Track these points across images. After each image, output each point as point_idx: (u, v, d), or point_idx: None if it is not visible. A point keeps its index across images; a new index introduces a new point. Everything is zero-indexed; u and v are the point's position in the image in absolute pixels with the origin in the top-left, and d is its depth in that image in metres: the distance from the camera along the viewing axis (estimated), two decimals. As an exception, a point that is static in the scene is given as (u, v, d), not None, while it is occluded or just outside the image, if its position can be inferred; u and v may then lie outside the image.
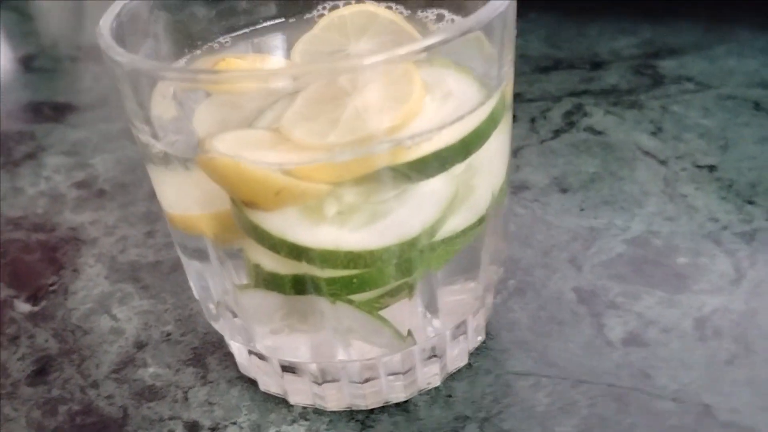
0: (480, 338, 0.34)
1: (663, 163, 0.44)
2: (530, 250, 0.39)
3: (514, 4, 0.29)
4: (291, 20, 0.36)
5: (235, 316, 0.30)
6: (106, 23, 0.28)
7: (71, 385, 0.35)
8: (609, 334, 0.34)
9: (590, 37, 0.59)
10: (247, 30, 0.35)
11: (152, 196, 0.33)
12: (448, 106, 0.28)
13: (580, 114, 0.50)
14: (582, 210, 0.41)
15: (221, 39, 0.34)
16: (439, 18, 0.34)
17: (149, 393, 0.34)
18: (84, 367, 0.35)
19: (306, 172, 0.26)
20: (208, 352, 0.35)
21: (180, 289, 0.39)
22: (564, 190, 0.43)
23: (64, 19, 0.76)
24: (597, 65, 0.55)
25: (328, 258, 0.26)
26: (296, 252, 0.26)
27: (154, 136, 0.27)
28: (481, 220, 0.29)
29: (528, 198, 0.43)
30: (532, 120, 0.50)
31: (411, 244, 0.27)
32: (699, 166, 0.44)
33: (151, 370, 0.35)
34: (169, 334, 0.37)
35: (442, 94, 0.28)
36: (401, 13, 0.34)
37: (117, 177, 0.49)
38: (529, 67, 0.56)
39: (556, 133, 0.48)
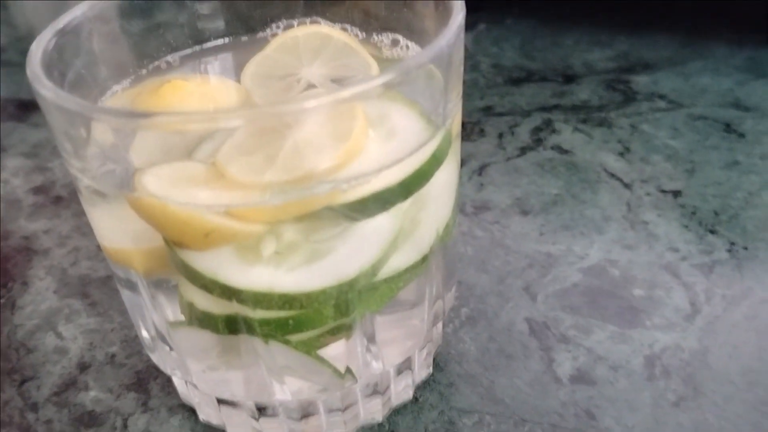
0: (427, 371, 0.33)
1: (627, 186, 0.43)
2: (485, 277, 0.38)
3: (462, 36, 0.28)
4: (243, 38, 0.35)
5: (171, 348, 0.30)
6: (39, 46, 0.27)
7: (10, 408, 0.34)
8: (557, 370, 0.33)
9: (565, 47, 0.58)
10: (196, 48, 0.34)
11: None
12: (391, 144, 0.27)
13: (548, 131, 0.49)
14: (541, 234, 0.41)
15: (169, 58, 0.33)
16: (394, 43, 0.33)
17: (89, 419, 0.33)
18: (25, 389, 0.35)
19: (240, 213, 0.25)
20: (151, 377, 0.35)
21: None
22: (525, 213, 0.42)
23: (41, 10, 0.75)
24: (570, 78, 0.54)
25: (261, 300, 0.26)
26: (228, 293, 0.26)
27: (83, 171, 0.26)
28: (424, 259, 0.28)
29: (488, 219, 0.42)
30: (500, 135, 0.49)
31: (350, 284, 0.26)
32: (663, 191, 0.43)
33: (92, 394, 0.34)
34: (113, 356, 0.36)
35: (386, 131, 0.27)
36: (356, 35, 0.34)
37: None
38: (502, 78, 0.55)
39: (523, 150, 0.47)
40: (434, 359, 0.34)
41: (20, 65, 0.65)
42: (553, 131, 0.49)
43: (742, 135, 0.47)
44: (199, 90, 0.31)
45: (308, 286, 0.26)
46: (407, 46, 0.32)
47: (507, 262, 0.39)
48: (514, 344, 0.35)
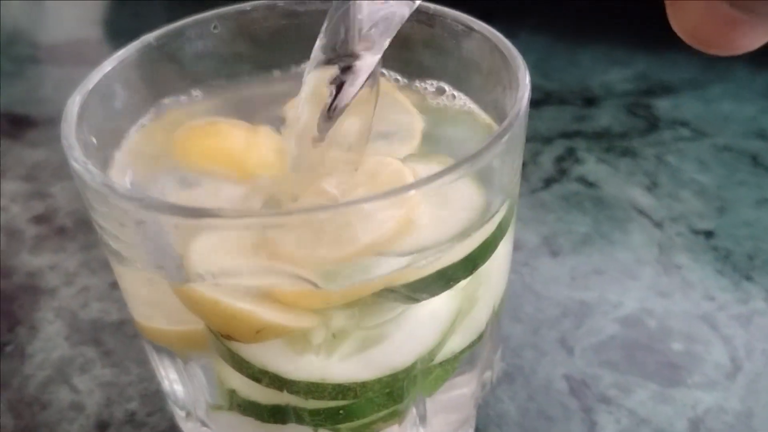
0: (469, 432, 0.32)
1: (658, 225, 0.42)
2: (520, 327, 0.37)
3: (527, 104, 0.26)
4: (275, 72, 0.33)
5: (205, 425, 0.28)
6: (70, 122, 0.25)
7: (26, 473, 0.32)
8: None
9: (582, 67, 0.57)
10: (223, 81, 0.32)
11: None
12: (448, 214, 0.25)
13: (571, 160, 0.47)
14: (573, 279, 0.39)
15: (193, 91, 0.31)
16: (440, 91, 0.31)
17: (111, 486, 0.31)
18: (40, 451, 0.33)
19: (291, 298, 0.23)
20: (176, 439, 0.33)
21: (145, 358, 0.36)
22: (554, 254, 0.41)
23: (21, 9, 0.72)
24: (590, 101, 0.53)
25: (313, 390, 0.24)
26: (278, 383, 0.24)
27: (123, 250, 0.24)
28: (481, 337, 0.27)
29: (518, 260, 0.40)
30: (523, 165, 0.47)
31: (406, 372, 0.25)
32: (695, 231, 0.42)
33: (113, 457, 0.32)
34: (133, 414, 0.34)
35: (440, 201, 0.26)
36: (396, 80, 0.32)
37: (79, 211, 0.46)
38: (519, 99, 0.53)
39: (547, 182, 0.46)
40: (475, 420, 0.33)
41: (13, 74, 0.63)
42: (577, 161, 0.47)
43: (770, 169, 0.46)
44: (237, 133, 0.29)
45: (362, 376, 0.24)
46: (454, 96, 0.31)
47: (540, 310, 0.38)
48: (554, 405, 0.33)
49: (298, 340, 0.24)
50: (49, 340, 0.38)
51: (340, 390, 0.24)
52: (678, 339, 0.36)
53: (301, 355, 0.24)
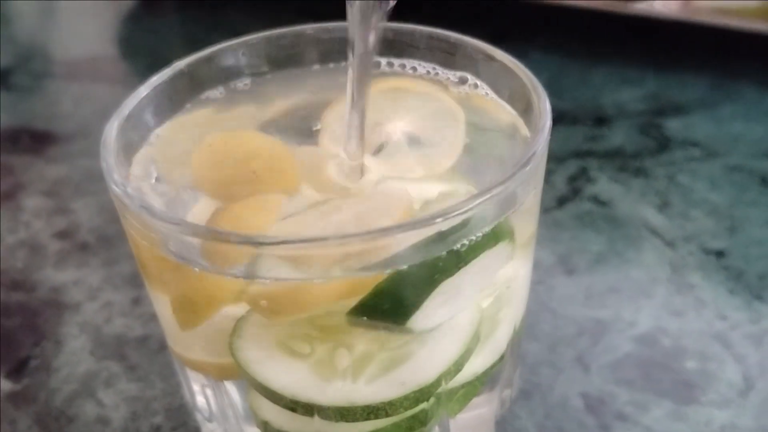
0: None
1: (670, 245, 0.43)
2: (536, 344, 0.38)
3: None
4: (315, 67, 0.33)
5: (235, 439, 0.29)
6: (110, 162, 0.26)
7: (54, 486, 0.33)
8: (617, 451, 0.33)
9: (594, 86, 0.58)
10: (246, 80, 0.32)
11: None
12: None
13: (584, 179, 0.48)
14: (588, 297, 0.40)
15: (218, 89, 0.32)
16: (462, 80, 0.31)
17: (138, 499, 0.32)
18: (68, 464, 0.34)
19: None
20: (201, 453, 0.34)
21: (169, 372, 0.37)
22: (569, 272, 0.42)
23: (36, 24, 0.73)
24: (601, 121, 0.54)
25: (344, 414, 0.25)
26: (309, 409, 0.25)
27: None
28: (502, 357, 0.28)
29: (534, 279, 0.41)
30: (536, 183, 0.48)
31: (432, 387, 0.25)
32: (707, 251, 0.43)
33: (139, 471, 0.33)
34: (158, 428, 0.35)
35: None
36: (427, 72, 0.32)
37: (101, 227, 0.47)
38: (531, 118, 0.54)
39: (561, 201, 0.47)
40: (492, 437, 0.33)
41: (31, 90, 0.64)
42: (589, 180, 0.48)
43: (780, 190, 0.47)
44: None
45: (389, 395, 0.25)
46: (476, 85, 0.31)
47: (556, 328, 0.38)
48: (571, 422, 0.34)
49: (324, 366, 0.24)
50: (74, 354, 0.39)
51: (371, 410, 0.25)
52: (692, 357, 0.37)
53: (329, 381, 0.24)
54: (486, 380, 0.28)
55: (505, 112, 0.29)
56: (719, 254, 0.42)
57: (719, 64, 0.58)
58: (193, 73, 0.30)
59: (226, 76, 0.31)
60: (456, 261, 0.23)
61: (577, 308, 0.40)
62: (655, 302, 0.40)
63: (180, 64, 0.30)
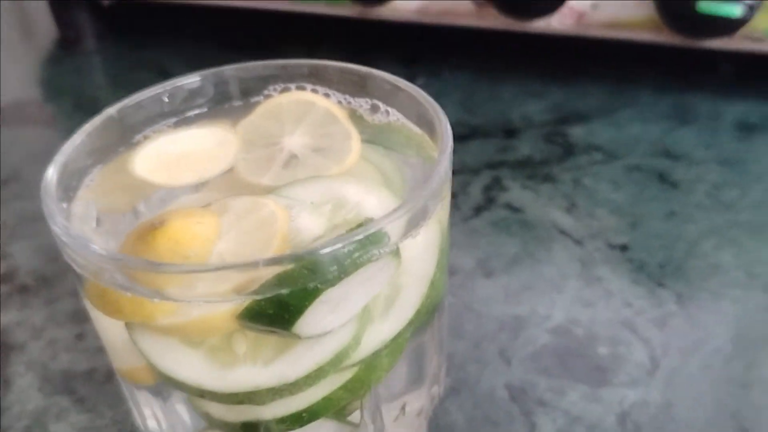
0: (421, 445, 0.36)
1: (578, 243, 0.47)
2: (462, 343, 0.41)
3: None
4: (236, 103, 0.35)
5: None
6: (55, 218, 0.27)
7: None
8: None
9: (503, 100, 0.61)
10: (173, 120, 0.34)
11: (77, 291, 0.32)
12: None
13: (498, 188, 0.52)
14: (507, 296, 0.43)
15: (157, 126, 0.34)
16: (374, 108, 0.34)
17: None
18: (25, 496, 0.35)
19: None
20: (154, 474, 0.36)
21: (118, 401, 0.39)
22: (488, 275, 0.45)
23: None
24: (511, 133, 0.57)
25: (253, 398, 0.27)
26: (228, 398, 0.27)
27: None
28: (411, 324, 0.29)
29: (456, 283, 0.44)
30: (454, 195, 0.51)
31: (331, 365, 0.27)
32: (612, 246, 0.46)
33: (96, 496, 0.35)
34: (111, 454, 0.37)
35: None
36: (339, 102, 0.35)
37: (39, 269, 0.48)
38: (447, 134, 0.58)
39: (477, 210, 0.50)
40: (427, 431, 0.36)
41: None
42: (503, 189, 0.52)
43: (675, 185, 0.51)
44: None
45: (290, 375, 0.27)
46: (387, 112, 0.34)
47: (479, 326, 0.42)
48: (498, 411, 0.37)
49: (224, 351, 0.27)
50: (23, 392, 0.40)
51: (277, 392, 0.27)
52: (603, 344, 0.40)
53: (231, 367, 0.26)
54: (412, 376, 0.30)
55: (416, 135, 0.32)
56: (623, 248, 0.46)
57: (615, 73, 0.63)
58: (123, 119, 0.32)
59: (154, 119, 0.34)
60: (338, 274, 0.25)
61: (497, 306, 0.43)
62: (567, 296, 0.43)
63: (111, 111, 0.32)
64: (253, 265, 0.24)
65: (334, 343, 0.27)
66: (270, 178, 0.32)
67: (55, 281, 0.47)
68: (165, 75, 0.69)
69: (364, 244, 0.24)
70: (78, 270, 0.27)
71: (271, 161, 0.32)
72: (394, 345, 0.29)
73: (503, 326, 0.42)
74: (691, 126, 0.57)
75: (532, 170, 0.53)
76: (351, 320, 0.27)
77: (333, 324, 0.26)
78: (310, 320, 0.25)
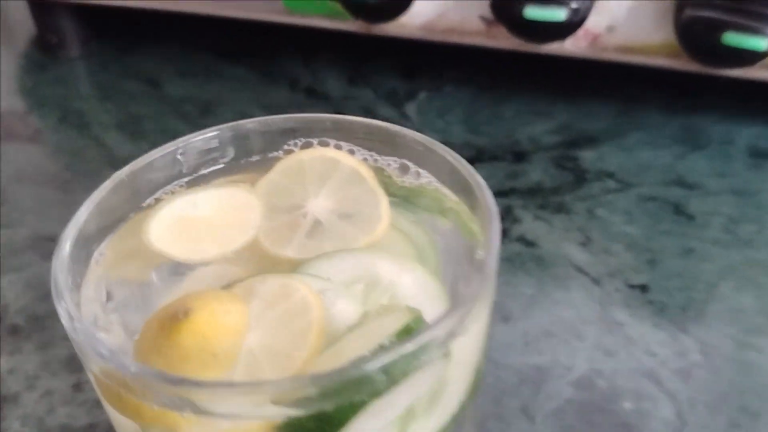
0: None
1: (596, 282, 0.45)
2: (483, 397, 0.39)
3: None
4: (254, 158, 0.33)
5: None
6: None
7: None
8: (569, 501, 0.35)
9: (507, 119, 0.59)
10: (186, 179, 0.32)
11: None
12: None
13: (510, 219, 0.50)
14: (526, 344, 0.42)
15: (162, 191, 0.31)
16: (404, 169, 0.32)
17: None
18: None
19: None
20: None
21: (122, 463, 0.37)
22: (506, 319, 0.43)
23: None
24: (519, 156, 0.56)
25: None
26: None
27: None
28: (456, 414, 0.28)
29: (471, 329, 0.43)
30: (464, 227, 0.50)
31: None
32: (631, 286, 0.45)
33: None
34: None
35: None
36: (365, 159, 0.33)
37: (29, 306, 0.46)
38: (453, 156, 0.55)
39: (490, 244, 0.48)
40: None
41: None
42: (515, 220, 0.50)
43: (691, 217, 0.49)
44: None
45: None
46: (418, 173, 0.32)
47: (499, 379, 0.40)
48: (524, 476, 0.36)
49: None
50: (19, 452, 0.38)
51: None
52: (627, 398, 0.39)
53: None
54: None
55: (451, 201, 0.30)
56: (643, 288, 0.45)
57: (622, 93, 0.61)
58: (133, 181, 0.30)
59: (166, 180, 0.31)
60: (388, 384, 0.23)
61: (517, 356, 0.41)
62: (588, 344, 0.42)
63: (121, 174, 0.29)
64: (300, 382, 0.22)
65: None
66: (294, 250, 0.29)
67: (47, 321, 0.45)
68: (154, 84, 0.66)
69: (417, 354, 0.22)
70: (95, 374, 0.24)
71: (295, 229, 0.30)
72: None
73: (524, 379, 0.40)
74: (703, 151, 0.55)
75: (544, 199, 0.52)
76: (392, 422, 0.25)
77: (375, 429, 0.24)
78: (352, 430, 0.23)
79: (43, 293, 0.46)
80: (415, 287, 0.28)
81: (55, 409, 0.40)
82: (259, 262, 0.29)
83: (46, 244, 0.50)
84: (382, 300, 0.27)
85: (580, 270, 0.46)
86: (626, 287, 0.45)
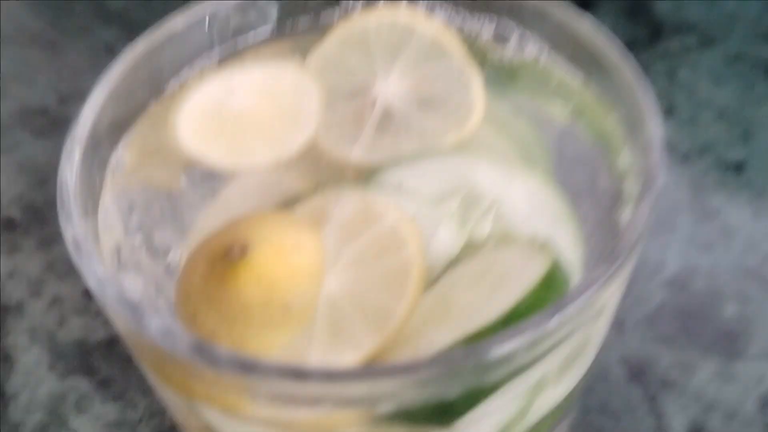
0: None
1: (685, 159, 0.39)
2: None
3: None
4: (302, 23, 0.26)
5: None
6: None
7: None
8: (671, 424, 0.30)
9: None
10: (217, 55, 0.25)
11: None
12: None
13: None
14: (607, 236, 0.36)
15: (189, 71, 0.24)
16: (502, 36, 0.25)
17: None
18: None
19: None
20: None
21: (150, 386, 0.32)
22: (582, 206, 0.37)
23: None
24: (583, 4, 0.47)
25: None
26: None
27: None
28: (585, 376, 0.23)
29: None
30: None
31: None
32: (725, 165, 0.39)
33: None
34: (153, 460, 0.30)
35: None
36: (448, 21, 0.25)
37: (25, 195, 0.39)
38: None
39: (557, 115, 0.41)
40: None
41: None
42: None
43: (788, 81, 0.42)
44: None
45: None
46: (524, 42, 0.25)
47: (579, 280, 0.35)
48: (616, 396, 0.31)
49: None
50: (30, 372, 0.33)
51: None
52: (729, 301, 0.34)
53: None
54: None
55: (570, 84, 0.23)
56: (738, 168, 0.39)
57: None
58: (151, 60, 0.23)
59: (191, 56, 0.24)
60: (520, 368, 0.18)
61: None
62: (681, 235, 0.36)
63: (136, 51, 0.22)
64: (414, 368, 0.16)
65: (492, 422, 0.19)
66: (362, 150, 0.23)
67: (47, 212, 0.38)
68: None
69: (574, 318, 0.16)
70: (131, 341, 0.18)
71: (360, 121, 0.23)
72: (564, 404, 0.22)
73: (610, 279, 0.34)
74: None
75: (616, 59, 0.44)
76: (520, 394, 0.19)
77: (497, 407, 0.19)
78: (473, 415, 0.18)
79: (39, 179, 0.40)
80: (527, 204, 0.21)
81: (67, 320, 0.34)
82: (317, 167, 0.23)
83: (37, 119, 0.43)
84: (484, 222, 0.21)
85: (667, 144, 0.40)
86: (719, 166, 0.39)
